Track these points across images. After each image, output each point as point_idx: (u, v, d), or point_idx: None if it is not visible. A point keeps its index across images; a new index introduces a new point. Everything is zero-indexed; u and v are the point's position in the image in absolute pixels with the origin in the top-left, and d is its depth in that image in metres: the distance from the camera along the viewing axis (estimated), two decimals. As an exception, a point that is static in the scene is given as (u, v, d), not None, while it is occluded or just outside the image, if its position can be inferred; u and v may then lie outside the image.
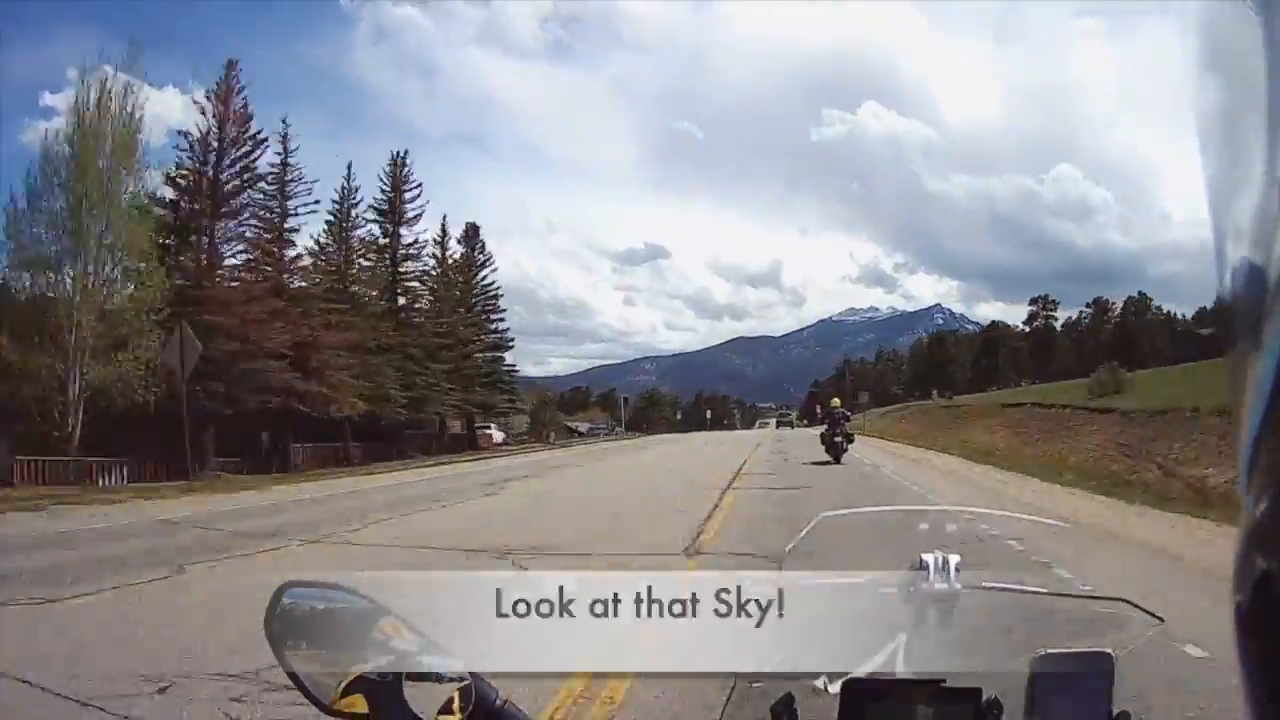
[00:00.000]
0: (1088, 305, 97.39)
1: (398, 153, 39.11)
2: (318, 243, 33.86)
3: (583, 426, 66.90)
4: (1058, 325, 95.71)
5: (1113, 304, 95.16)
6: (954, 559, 1.00)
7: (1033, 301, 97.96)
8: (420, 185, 38.96)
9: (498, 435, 46.75)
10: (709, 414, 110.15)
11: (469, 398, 38.86)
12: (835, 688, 0.94)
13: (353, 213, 35.28)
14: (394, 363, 32.78)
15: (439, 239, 41.48)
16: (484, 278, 46.19)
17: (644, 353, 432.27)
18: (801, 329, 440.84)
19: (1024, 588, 1.15)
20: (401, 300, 37.72)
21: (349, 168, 36.63)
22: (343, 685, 0.87)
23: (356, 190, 35.53)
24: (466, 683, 0.86)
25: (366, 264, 36.25)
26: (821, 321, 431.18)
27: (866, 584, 1.08)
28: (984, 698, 0.92)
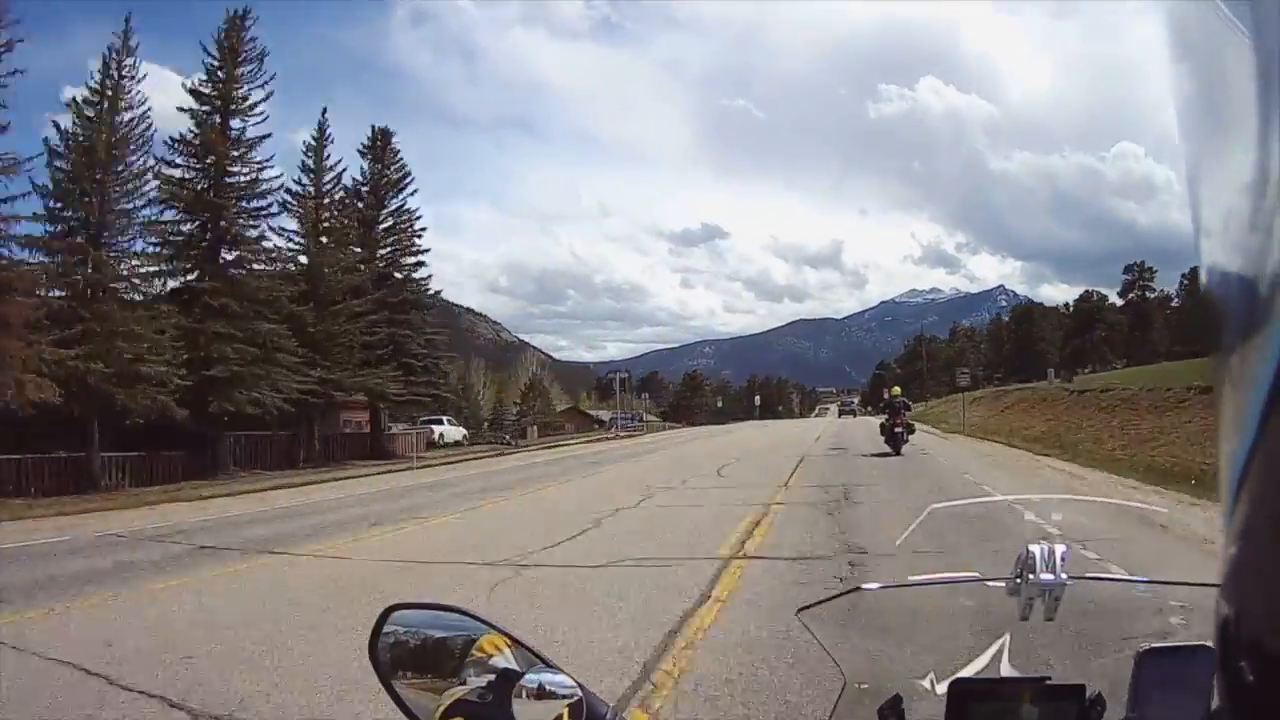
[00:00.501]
0: (1184, 277, 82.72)
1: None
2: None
3: (606, 415, 58.98)
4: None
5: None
6: (1060, 549, 0.98)
7: (1127, 270, 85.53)
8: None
9: (453, 433, 36.21)
10: (758, 400, 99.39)
11: (342, 379, 26.10)
12: (942, 688, 0.94)
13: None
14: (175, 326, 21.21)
15: (313, 140, 28.19)
16: (396, 199, 32.41)
17: (702, 336, 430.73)
18: (863, 311, 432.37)
19: (1127, 578, 1.16)
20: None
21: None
22: (441, 709, 0.85)
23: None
24: (577, 698, 0.84)
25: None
26: (884, 303, 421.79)
27: (975, 580, 1.08)
28: (1088, 694, 0.91)
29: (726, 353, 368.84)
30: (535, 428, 45.70)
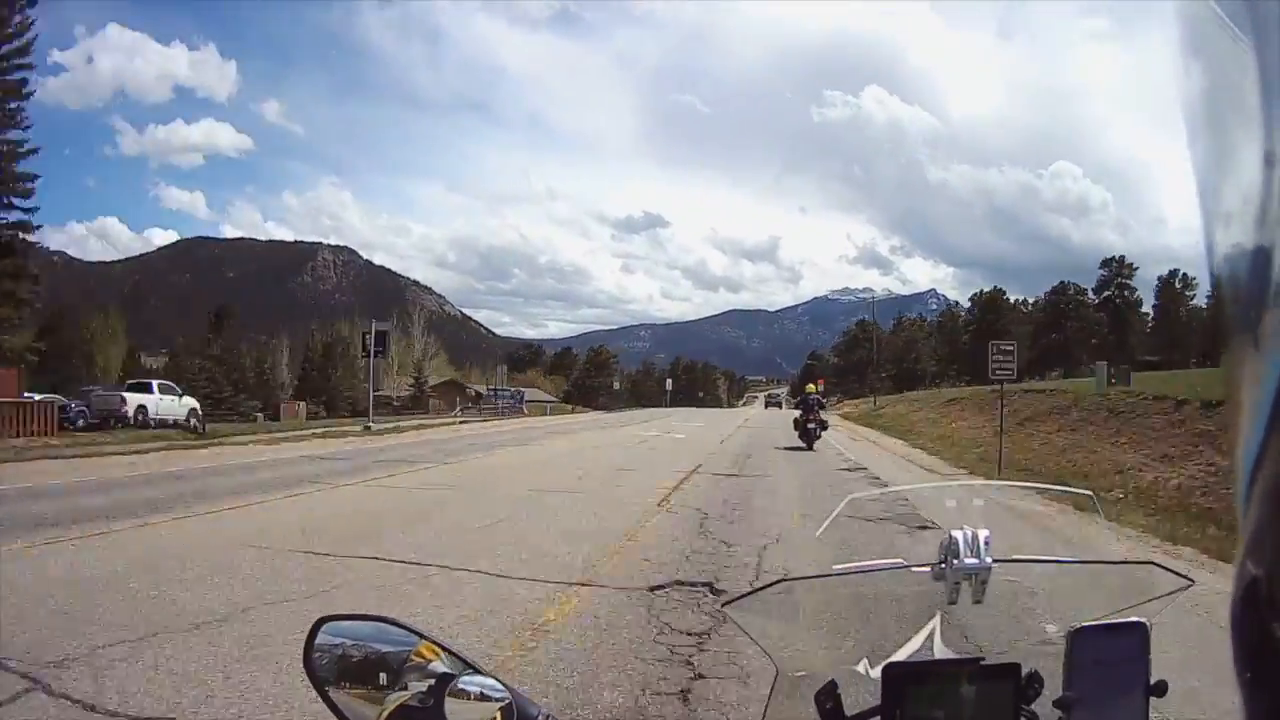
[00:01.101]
0: (1160, 281, 77.56)
1: None
2: None
3: (506, 393, 52.52)
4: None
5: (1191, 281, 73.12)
6: (983, 533, 0.97)
7: (1105, 265, 77.57)
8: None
9: (169, 406, 25.58)
10: (669, 385, 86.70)
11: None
12: (876, 672, 0.95)
13: None
14: None
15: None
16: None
17: (640, 320, 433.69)
18: (796, 305, 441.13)
19: (1054, 558, 1.17)
20: None
21: None
22: (384, 715, 0.86)
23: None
24: (508, 701, 0.86)
25: None
26: (816, 299, 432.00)
27: (900, 566, 1.09)
28: (1024, 673, 0.91)
29: (662, 337, 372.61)
30: (302, 404, 41.74)
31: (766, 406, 73.24)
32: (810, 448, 17.81)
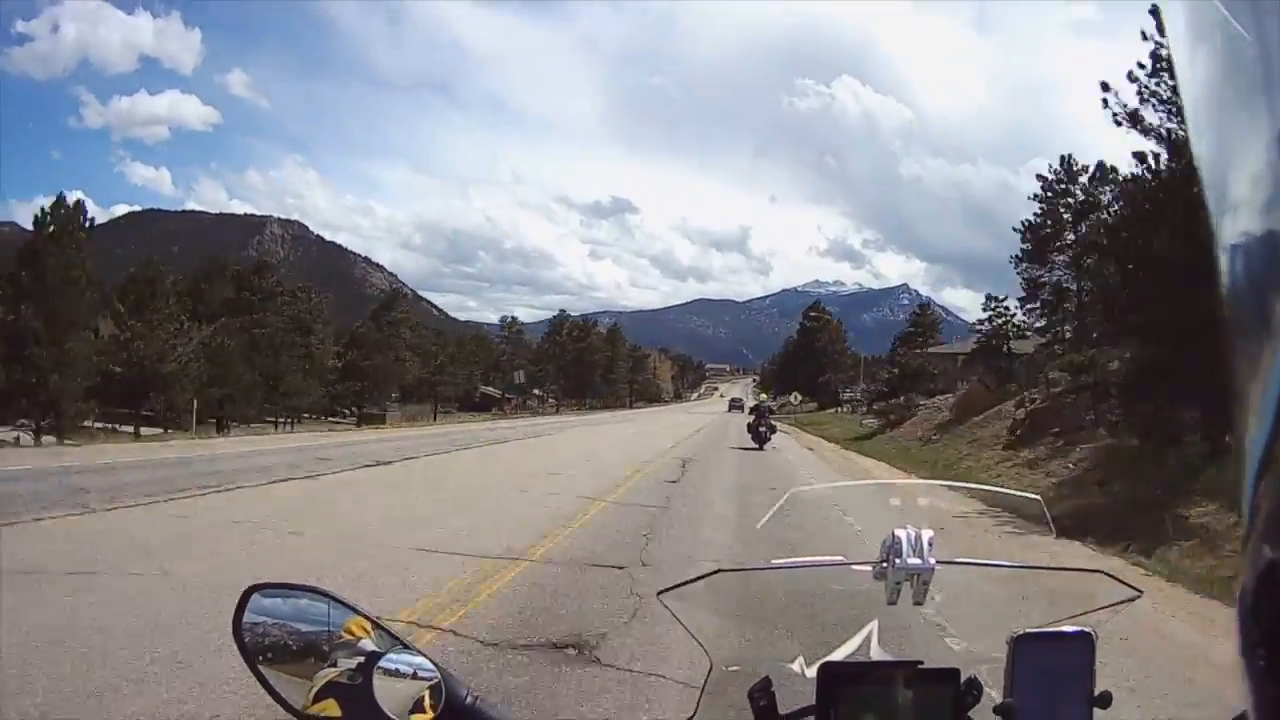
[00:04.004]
0: None
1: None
2: None
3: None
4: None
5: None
6: (926, 534, 0.96)
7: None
8: None
9: None
10: (519, 377, 66.79)
11: None
12: (812, 671, 0.91)
13: None
14: None
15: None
16: None
17: (605, 307, 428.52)
18: (765, 296, 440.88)
19: (1000, 563, 1.12)
20: None
21: None
22: (314, 691, 0.85)
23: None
24: (436, 680, 0.85)
25: None
26: (786, 291, 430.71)
27: (841, 564, 1.06)
28: (962, 678, 0.90)
29: (626, 324, 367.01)
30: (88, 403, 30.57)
31: (730, 409, 62.16)
32: (760, 447, 20.31)
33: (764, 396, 24.52)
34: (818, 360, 70.56)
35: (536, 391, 73.31)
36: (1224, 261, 0.34)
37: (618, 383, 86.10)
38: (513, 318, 79.58)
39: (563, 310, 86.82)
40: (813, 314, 79.88)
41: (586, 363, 77.36)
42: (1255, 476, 0.32)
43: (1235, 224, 0.34)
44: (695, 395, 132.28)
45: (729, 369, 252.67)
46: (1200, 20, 0.36)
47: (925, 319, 53.67)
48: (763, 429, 20.95)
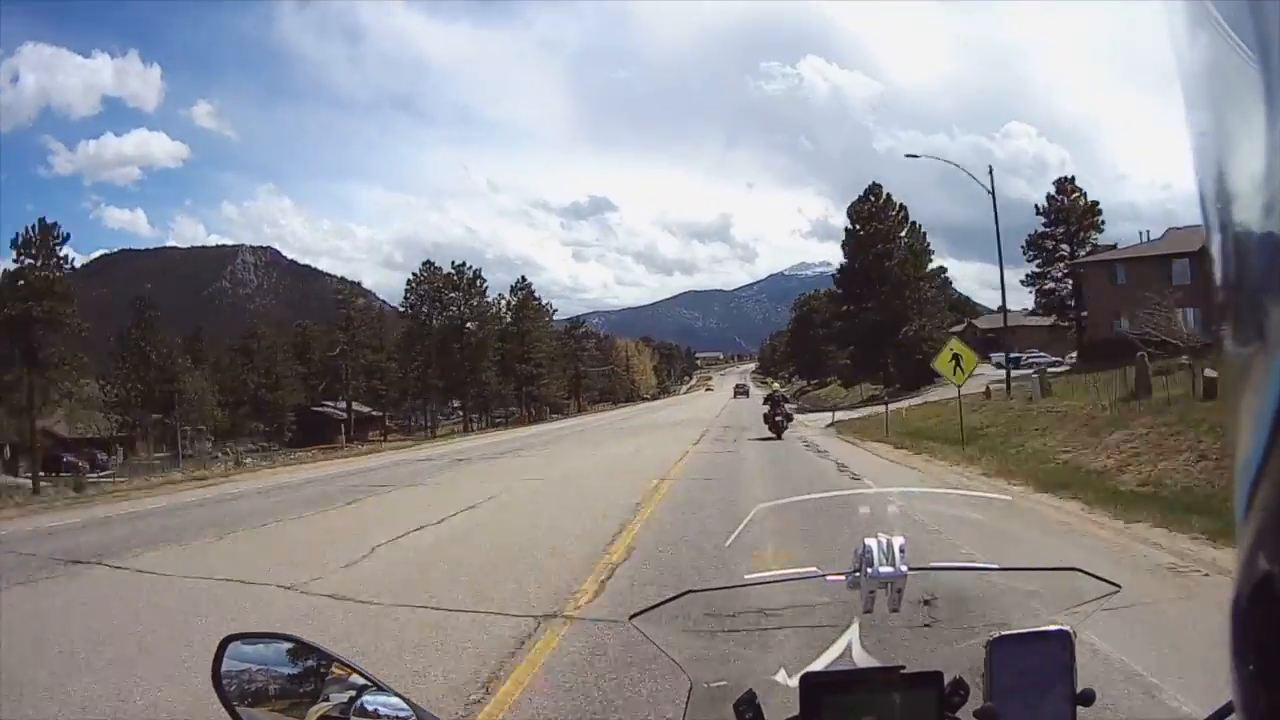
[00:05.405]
0: None
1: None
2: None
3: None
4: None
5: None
6: (898, 541, 0.96)
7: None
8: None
9: None
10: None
11: None
12: (795, 682, 0.91)
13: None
14: None
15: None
16: None
17: (593, 308, 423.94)
18: (753, 283, 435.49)
19: (972, 565, 1.14)
20: None
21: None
22: None
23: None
24: (410, 718, 0.88)
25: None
26: (773, 275, 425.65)
27: (814, 576, 1.05)
28: (947, 680, 0.90)
29: (616, 324, 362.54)
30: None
31: (735, 395, 58.65)
32: (779, 436, 20.34)
33: (777, 386, 23.85)
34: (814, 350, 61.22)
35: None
36: (1218, 267, 0.33)
37: (543, 379, 60.22)
38: (355, 283, 59.41)
39: (428, 260, 60.09)
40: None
41: (469, 346, 51.22)
42: (1250, 485, 0.31)
43: (1232, 219, 0.32)
44: (684, 389, 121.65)
45: (722, 357, 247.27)
46: (1200, 20, 0.34)
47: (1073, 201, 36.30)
48: (779, 418, 20.84)
